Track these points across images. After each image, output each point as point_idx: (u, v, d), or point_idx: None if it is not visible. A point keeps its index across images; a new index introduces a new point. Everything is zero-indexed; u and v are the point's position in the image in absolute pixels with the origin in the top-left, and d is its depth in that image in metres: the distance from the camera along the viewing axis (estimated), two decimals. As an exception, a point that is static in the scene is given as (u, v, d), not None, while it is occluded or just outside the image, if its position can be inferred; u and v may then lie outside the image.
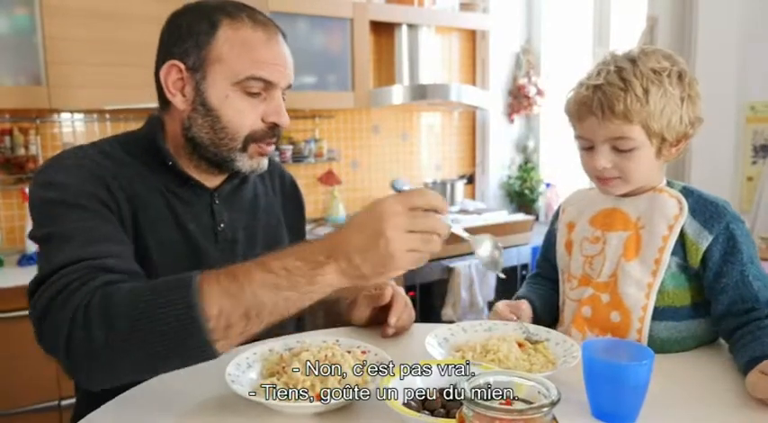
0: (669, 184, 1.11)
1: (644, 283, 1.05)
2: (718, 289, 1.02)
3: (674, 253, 1.04)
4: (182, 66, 0.99)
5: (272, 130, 1.03)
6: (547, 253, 1.28)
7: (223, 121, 1.00)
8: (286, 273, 0.78)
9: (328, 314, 1.28)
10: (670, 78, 1.02)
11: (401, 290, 1.19)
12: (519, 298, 1.21)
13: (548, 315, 1.21)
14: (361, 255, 0.77)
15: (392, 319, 1.11)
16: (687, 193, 1.07)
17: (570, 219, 1.20)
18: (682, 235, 1.03)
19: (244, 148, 1.02)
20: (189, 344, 0.76)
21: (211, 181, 1.09)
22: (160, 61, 1.02)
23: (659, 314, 1.04)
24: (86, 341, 0.76)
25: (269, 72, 0.99)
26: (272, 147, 1.06)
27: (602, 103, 1.02)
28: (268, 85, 1.00)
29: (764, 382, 0.85)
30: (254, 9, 1.03)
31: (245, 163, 1.04)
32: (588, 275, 1.12)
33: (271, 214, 1.21)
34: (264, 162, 1.07)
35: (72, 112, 2.64)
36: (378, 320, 1.16)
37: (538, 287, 1.26)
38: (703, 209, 1.04)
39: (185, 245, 1.04)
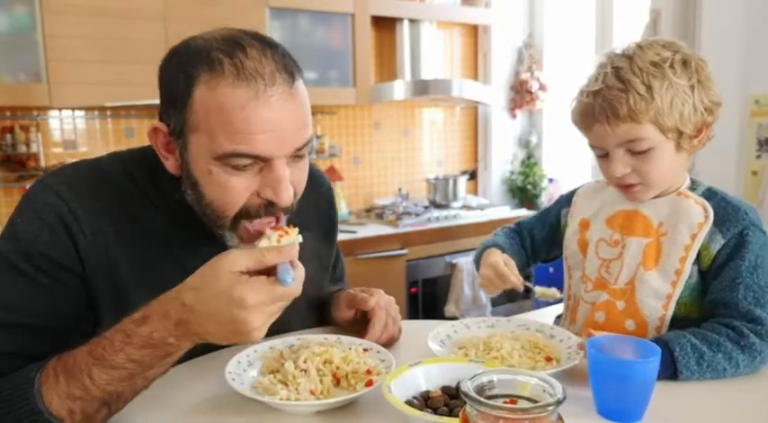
0: (693, 183, 1.06)
1: (663, 293, 1.01)
2: (709, 289, 0.99)
3: (693, 261, 0.99)
4: (165, 129, 0.83)
5: (271, 207, 0.83)
6: (539, 230, 1.26)
7: (207, 199, 0.83)
8: (133, 364, 0.72)
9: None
10: (673, 68, 0.96)
11: (387, 302, 1.08)
12: (499, 247, 1.19)
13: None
14: (218, 337, 0.72)
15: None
16: (711, 194, 1.03)
17: (584, 215, 1.15)
18: None
19: (233, 227, 0.85)
20: None
21: None
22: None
23: (675, 324, 1.00)
24: None
25: (253, 145, 0.77)
26: (272, 224, 0.85)
27: (604, 108, 0.97)
28: (258, 158, 0.79)
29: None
30: (249, 47, 0.79)
31: (234, 242, 0.87)
32: (604, 280, 1.08)
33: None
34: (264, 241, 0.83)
35: (73, 108, 2.64)
36: (361, 323, 1.06)
37: (514, 243, 1.25)
38: (723, 212, 0.99)
39: None
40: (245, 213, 0.83)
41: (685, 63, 0.97)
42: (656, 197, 1.05)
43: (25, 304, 0.81)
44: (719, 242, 0.98)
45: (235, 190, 0.81)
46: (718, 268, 0.98)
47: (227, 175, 0.80)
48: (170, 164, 0.86)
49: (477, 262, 1.21)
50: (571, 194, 1.21)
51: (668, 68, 0.96)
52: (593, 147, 1.04)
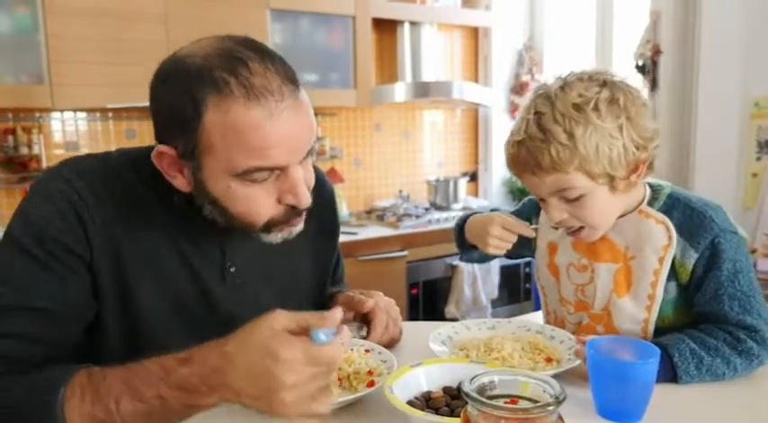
0: (654, 191, 1.02)
1: (639, 318, 1.00)
2: (694, 302, 0.99)
3: (668, 279, 0.98)
4: (172, 152, 0.83)
5: (293, 210, 0.86)
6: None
7: (232, 212, 0.85)
8: (160, 402, 0.73)
9: None
10: (597, 110, 0.90)
11: (387, 304, 1.09)
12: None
13: None
14: (251, 400, 0.70)
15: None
16: (673, 202, 1.00)
17: (551, 238, 1.12)
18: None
19: (266, 230, 0.88)
20: None
21: None
22: (155, 133, 0.86)
23: (663, 332, 0.99)
24: None
25: (273, 159, 0.79)
26: (302, 220, 0.90)
27: (527, 160, 0.94)
28: (276, 168, 0.82)
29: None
30: (250, 62, 0.78)
31: (271, 238, 0.89)
32: (583, 302, 1.07)
33: (294, 249, 1.02)
34: (295, 229, 0.91)
35: (75, 110, 2.64)
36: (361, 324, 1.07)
37: None
38: (689, 223, 0.97)
39: (191, 282, 0.93)
40: (275, 221, 0.86)
41: (612, 101, 0.91)
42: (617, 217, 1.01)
43: (35, 288, 0.81)
44: (693, 257, 0.96)
45: (257, 200, 0.83)
46: (698, 280, 0.97)
47: (246, 189, 0.82)
48: (179, 182, 0.86)
49: (460, 231, 1.23)
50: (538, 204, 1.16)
51: (591, 111, 0.90)
52: (530, 192, 1.03)
